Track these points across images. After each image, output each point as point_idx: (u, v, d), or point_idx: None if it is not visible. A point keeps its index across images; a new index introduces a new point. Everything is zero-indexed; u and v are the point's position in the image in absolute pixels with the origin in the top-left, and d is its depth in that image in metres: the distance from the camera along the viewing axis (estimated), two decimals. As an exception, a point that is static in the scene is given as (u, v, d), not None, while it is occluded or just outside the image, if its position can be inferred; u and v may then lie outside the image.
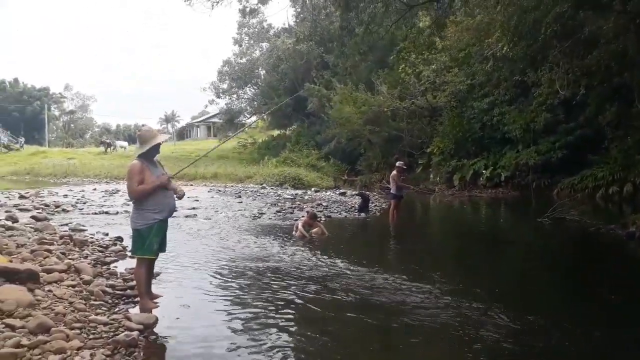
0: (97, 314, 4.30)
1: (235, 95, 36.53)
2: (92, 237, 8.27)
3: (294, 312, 4.75)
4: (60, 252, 6.53)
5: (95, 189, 19.70)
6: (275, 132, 37.37)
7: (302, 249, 8.00)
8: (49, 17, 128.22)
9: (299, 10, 30.90)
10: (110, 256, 6.88)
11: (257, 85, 36.14)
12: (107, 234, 8.80)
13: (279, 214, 12.76)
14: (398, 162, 11.97)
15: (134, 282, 5.22)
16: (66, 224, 9.72)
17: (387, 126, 24.84)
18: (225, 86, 35.86)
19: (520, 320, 4.43)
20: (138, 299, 4.82)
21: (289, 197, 17.71)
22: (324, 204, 15.24)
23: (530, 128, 18.18)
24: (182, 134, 67.87)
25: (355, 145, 26.87)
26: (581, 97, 14.82)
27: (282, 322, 4.43)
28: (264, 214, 12.65)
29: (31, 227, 8.75)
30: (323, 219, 11.67)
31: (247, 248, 7.99)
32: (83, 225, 9.70)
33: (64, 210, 12.53)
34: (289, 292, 5.39)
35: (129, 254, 7.12)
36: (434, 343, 4.09)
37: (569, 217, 11.21)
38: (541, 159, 17.69)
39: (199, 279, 5.93)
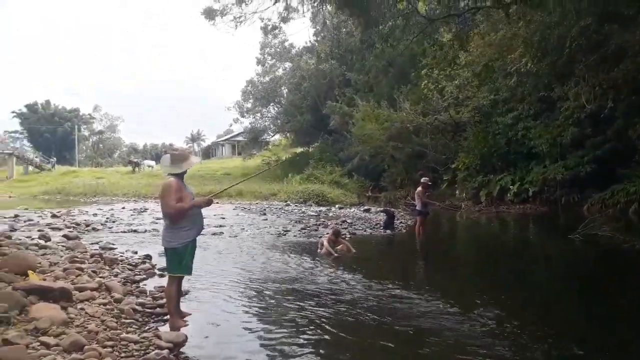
0: (128, 332, 4.36)
1: (259, 114, 37.13)
2: (122, 256, 8.42)
3: (321, 332, 4.72)
4: (92, 271, 6.67)
5: (123, 208, 20.12)
6: (299, 150, 37.67)
7: (328, 266, 7.99)
8: (54, 18, 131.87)
9: (319, 28, 31.34)
10: (140, 274, 6.98)
11: (280, 104, 36.62)
12: (136, 252, 8.95)
13: (303, 231, 12.79)
14: (423, 178, 11.90)
15: (164, 300, 5.30)
16: (96, 243, 9.93)
17: (411, 142, 24.77)
18: (249, 105, 36.48)
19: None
20: (168, 317, 4.89)
21: (313, 214, 17.75)
22: (349, 220, 15.21)
23: (557, 142, 17.87)
24: (208, 153, 68.96)
25: (379, 161, 26.85)
26: (609, 111, 14.53)
27: (311, 343, 4.41)
28: (289, 231, 12.69)
29: (63, 246, 8.97)
30: (348, 236, 11.63)
31: (274, 266, 8.01)
32: (113, 244, 9.89)
33: (94, 229, 12.81)
34: (316, 311, 5.37)
35: (158, 272, 7.25)
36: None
37: (601, 234, 10.88)
38: (569, 174, 17.32)
39: (227, 297, 5.96)
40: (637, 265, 8.47)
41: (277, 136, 41.48)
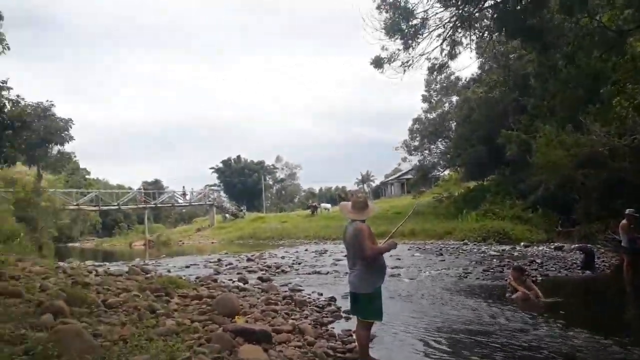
0: (322, 376, 4.52)
1: (427, 151, 36.74)
2: (309, 297, 8.90)
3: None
4: (285, 313, 7.17)
5: (306, 250, 21.44)
6: (472, 184, 35.98)
7: (519, 313, 7.31)
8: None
9: (485, 58, 30.16)
10: (327, 317, 7.27)
11: (448, 138, 35.81)
12: (321, 294, 9.38)
13: (486, 273, 11.99)
14: (628, 210, 10.28)
15: (353, 345, 5.40)
16: (286, 284, 10.70)
17: (605, 168, 21.72)
18: (416, 143, 36.45)
19: None
20: (358, 362, 4.95)
21: (495, 253, 16.59)
22: (538, 260, 13.83)
23: None
24: (377, 193, 70.30)
25: (567, 191, 24.05)
26: None
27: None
28: (470, 273, 12.03)
29: (258, 288, 9.88)
30: (539, 278, 10.56)
31: (458, 312, 7.64)
32: (300, 286, 10.55)
33: (283, 271, 13.86)
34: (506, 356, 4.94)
35: (343, 314, 7.46)
36: None
37: None
38: None
39: (412, 343, 5.84)
40: None
41: (447, 171, 40.40)
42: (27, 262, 10.20)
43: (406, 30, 14.62)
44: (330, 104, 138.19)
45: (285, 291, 9.48)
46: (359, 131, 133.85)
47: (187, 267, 15.90)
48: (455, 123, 35.21)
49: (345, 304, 8.02)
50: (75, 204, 36.42)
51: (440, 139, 36.53)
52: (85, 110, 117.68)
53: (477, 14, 14.42)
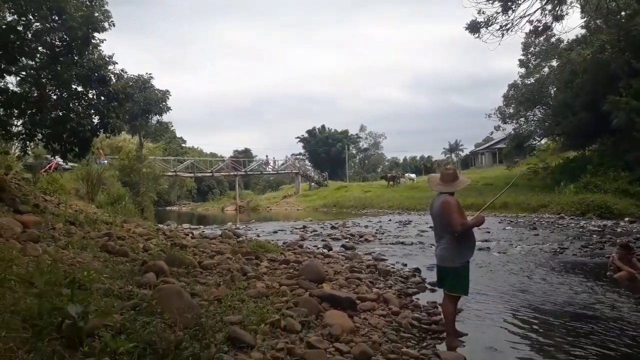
0: (407, 347, 4.49)
1: (523, 119, 34.45)
2: (393, 267, 8.86)
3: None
4: (369, 281, 7.20)
5: (390, 220, 21.34)
6: (571, 154, 33.35)
7: (623, 293, 6.75)
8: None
9: (592, 17, 27.30)
10: (412, 287, 7.19)
11: (547, 105, 33.26)
12: (405, 265, 9.31)
13: (585, 249, 11.18)
14: None
15: (438, 317, 5.32)
16: (369, 254, 10.72)
17: None
18: (511, 110, 34.30)
19: None
20: (444, 335, 4.87)
21: (596, 229, 15.40)
22: (645, 237, 12.64)
23: None
24: (466, 163, 67.72)
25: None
26: None
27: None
28: (567, 249, 11.28)
29: (342, 256, 10.01)
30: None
31: (551, 288, 7.23)
32: (383, 255, 10.53)
33: (366, 240, 13.92)
34: (603, 345, 4.65)
35: (429, 286, 7.35)
36: None
37: None
38: None
39: (501, 318, 5.63)
40: None
41: (544, 140, 37.71)
42: (131, 224, 11.13)
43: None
44: (417, 72, 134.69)
45: (369, 260, 9.51)
46: (447, 99, 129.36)
47: (275, 232, 16.50)
48: (555, 88, 32.58)
49: (430, 276, 7.90)
50: (172, 170, 38.96)
51: (537, 106, 34.06)
52: (180, 82, 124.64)
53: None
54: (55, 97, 9.33)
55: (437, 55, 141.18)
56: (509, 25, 14.56)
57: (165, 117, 32.22)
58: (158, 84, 32.84)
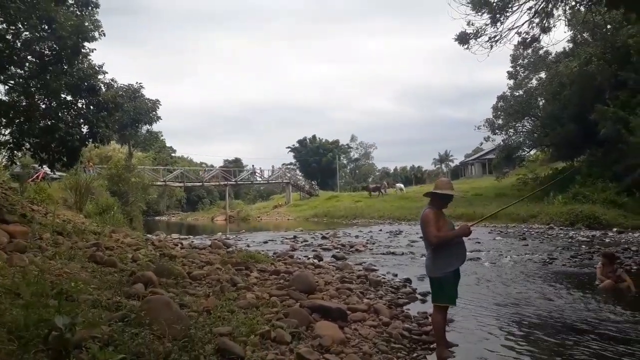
0: (398, 358, 4.49)
1: (512, 130, 34.80)
2: (384, 278, 8.86)
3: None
4: (360, 292, 7.18)
5: (380, 230, 21.35)
6: (560, 165, 33.70)
7: (608, 303, 6.81)
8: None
9: (578, 31, 27.75)
10: (402, 298, 7.20)
11: (536, 117, 33.64)
12: (396, 275, 9.32)
13: (574, 259, 11.26)
14: None
15: (429, 327, 5.31)
16: (360, 264, 10.71)
17: None
18: (500, 122, 34.63)
19: None
20: (434, 345, 4.87)
21: (584, 239, 15.53)
22: (633, 248, 12.76)
23: None
24: (456, 173, 68.16)
25: (669, 174, 21.85)
26: None
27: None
28: (556, 259, 11.35)
29: (333, 266, 9.99)
30: (634, 267, 9.76)
31: (540, 299, 7.27)
32: (374, 265, 10.53)
33: (357, 250, 13.90)
34: (591, 355, 4.68)
35: (419, 296, 7.35)
36: None
37: None
38: None
39: (491, 329, 5.64)
40: None
41: (533, 151, 38.08)
42: (120, 234, 11.01)
43: (494, 4, 13.81)
44: (408, 83, 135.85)
45: (360, 270, 9.50)
46: (437, 109, 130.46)
47: (265, 242, 16.44)
48: (543, 100, 33.00)
49: (420, 286, 7.92)
50: (162, 180, 38.74)
51: (526, 117, 34.44)
52: (170, 91, 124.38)
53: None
54: (44, 106, 9.25)
55: (427, 67, 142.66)
56: (497, 37, 14.83)
57: (155, 127, 32.12)
58: (148, 93, 32.70)
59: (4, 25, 8.24)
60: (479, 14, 14.43)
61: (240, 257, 9.09)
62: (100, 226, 11.34)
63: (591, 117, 24.58)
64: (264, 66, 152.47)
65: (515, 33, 14.98)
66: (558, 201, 23.96)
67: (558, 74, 28.81)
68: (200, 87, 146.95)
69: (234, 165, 63.23)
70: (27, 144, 9.45)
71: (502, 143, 35.89)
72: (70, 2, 9.06)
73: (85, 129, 9.77)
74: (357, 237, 18.26)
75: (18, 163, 11.76)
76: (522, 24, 14.65)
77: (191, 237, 18.73)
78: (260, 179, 51.23)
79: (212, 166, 60.40)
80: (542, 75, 32.96)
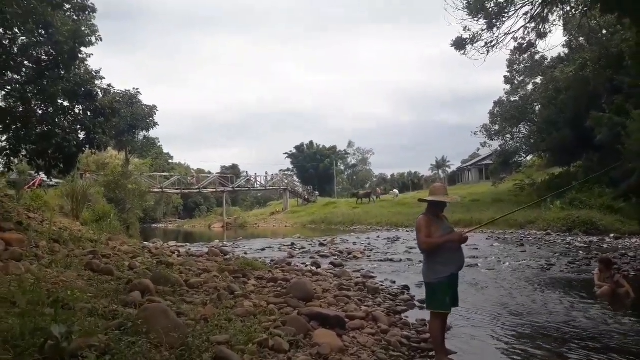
0: (397, 366, 4.45)
1: (508, 135, 34.88)
2: (382, 285, 8.82)
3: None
4: (358, 299, 7.13)
5: (378, 237, 21.32)
6: (557, 170, 33.80)
7: (607, 309, 6.79)
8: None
9: (574, 36, 27.94)
10: (401, 305, 7.15)
11: (532, 122, 33.75)
12: (394, 282, 9.28)
13: (571, 265, 11.26)
14: None
15: (427, 335, 5.28)
16: (358, 271, 10.67)
17: None
18: (497, 127, 34.71)
19: None
20: (433, 353, 4.83)
21: (582, 245, 15.55)
22: (631, 253, 12.77)
23: None
24: (453, 179, 68.26)
25: (666, 180, 21.93)
26: None
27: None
28: (554, 265, 11.35)
29: (331, 273, 9.94)
30: (632, 272, 9.76)
31: (539, 305, 7.26)
32: (372, 272, 10.49)
33: (355, 257, 13.86)
34: None
35: (417, 303, 7.32)
36: None
37: None
38: None
39: (490, 336, 5.62)
40: None
41: (530, 157, 38.18)
42: (117, 241, 10.96)
43: (490, 9, 13.87)
44: (404, 89, 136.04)
45: (358, 277, 9.46)
46: (434, 115, 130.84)
47: (263, 249, 16.38)
48: (539, 105, 33.12)
49: (419, 293, 7.88)
50: (159, 187, 38.64)
51: (522, 123, 34.54)
52: (167, 97, 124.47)
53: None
54: (40, 112, 9.23)
55: (423, 73, 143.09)
56: (494, 42, 14.89)
57: (152, 133, 32.11)
58: (145, 98, 32.73)
59: (1, 30, 8.23)
60: (476, 19, 14.51)
61: (237, 265, 9.04)
62: (97, 234, 11.27)
63: (587, 123, 24.66)
64: (261, 72, 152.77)
65: (512, 38, 15.07)
66: (555, 207, 23.99)
67: (554, 79, 28.96)
68: (197, 93, 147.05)
69: (232, 172, 63.12)
70: (24, 150, 9.41)
71: (499, 149, 35.97)
72: (67, 6, 9.05)
73: (82, 135, 9.75)
74: (354, 243, 18.22)
75: (14, 170, 11.68)
76: (518, 29, 14.74)
77: (188, 244, 18.64)
78: (257, 185, 51.15)
79: (209, 172, 60.40)
80: (538, 80, 33.12)
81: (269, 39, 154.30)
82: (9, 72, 8.79)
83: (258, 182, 50.14)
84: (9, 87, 8.98)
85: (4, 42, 8.26)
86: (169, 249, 13.52)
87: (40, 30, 8.19)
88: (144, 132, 29.43)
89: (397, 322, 6.08)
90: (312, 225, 37.19)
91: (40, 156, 9.30)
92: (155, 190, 37.65)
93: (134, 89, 26.35)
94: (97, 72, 9.78)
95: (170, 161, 67.67)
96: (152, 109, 27.36)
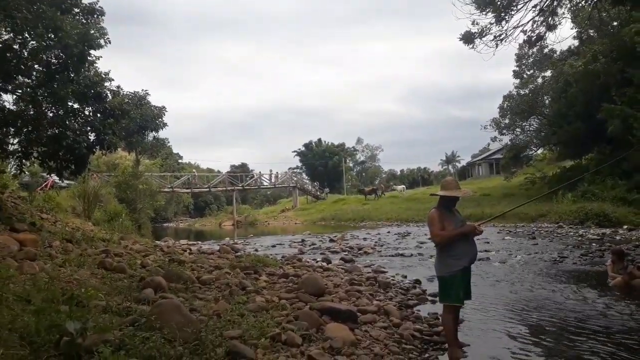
0: (410, 359, 4.45)
1: (519, 129, 34.55)
2: (393, 279, 8.81)
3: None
4: (369, 294, 7.15)
5: (388, 232, 21.28)
6: (568, 163, 33.46)
7: (621, 301, 6.72)
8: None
9: (584, 28, 27.61)
10: (412, 299, 7.15)
11: (542, 115, 33.41)
12: (405, 276, 9.27)
13: (584, 257, 11.16)
14: None
15: (440, 328, 5.27)
16: (369, 266, 10.67)
17: None
18: (507, 121, 34.39)
19: None
20: (445, 345, 4.83)
21: (594, 237, 15.39)
22: (644, 245, 12.62)
23: None
24: (464, 174, 67.90)
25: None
26: None
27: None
28: (566, 257, 11.25)
29: (342, 268, 9.95)
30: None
31: (552, 297, 7.19)
32: (383, 267, 10.48)
33: (365, 252, 13.86)
34: (604, 353, 4.62)
35: (429, 297, 7.30)
36: None
37: None
38: None
39: (503, 328, 5.58)
40: None
41: (541, 150, 37.80)
42: (129, 240, 11.06)
43: (499, 2, 13.74)
44: (413, 84, 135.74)
45: (369, 272, 9.47)
46: (443, 110, 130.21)
47: (273, 246, 16.43)
48: (549, 99, 32.76)
49: (430, 287, 7.87)
50: (169, 186, 38.87)
51: (533, 116, 34.18)
52: (177, 99, 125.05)
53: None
54: (51, 114, 9.32)
55: (432, 68, 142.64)
56: (502, 36, 14.71)
57: (162, 134, 32.33)
58: (155, 100, 33.02)
59: (11, 35, 8.33)
60: (484, 13, 14.35)
61: (248, 261, 9.09)
62: (108, 233, 11.39)
63: (598, 115, 24.38)
64: (269, 71, 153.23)
65: (521, 31, 14.87)
66: (567, 199, 23.77)
67: (564, 72, 28.63)
68: (206, 94, 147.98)
69: (241, 170, 63.36)
70: (36, 152, 9.52)
71: (509, 143, 35.64)
72: (76, 10, 9.12)
73: (92, 137, 9.84)
74: (365, 239, 18.22)
75: (27, 172, 11.84)
76: (527, 22, 14.56)
77: (199, 242, 18.75)
78: (267, 183, 51.24)
79: (219, 172, 60.62)
80: (548, 73, 32.75)
81: (277, 39, 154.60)
82: (19, 76, 8.91)
83: (266, 181, 50.24)
84: (20, 91, 9.10)
85: (14, 46, 8.36)
86: (180, 247, 13.61)
87: (49, 34, 8.26)
88: (154, 132, 29.56)
89: (409, 315, 6.07)
90: (322, 222, 37.20)
91: (51, 158, 9.41)
92: (166, 189, 37.88)
93: (142, 90, 26.41)
94: (107, 73, 9.85)
95: (180, 161, 68.08)
96: (161, 110, 27.43)
